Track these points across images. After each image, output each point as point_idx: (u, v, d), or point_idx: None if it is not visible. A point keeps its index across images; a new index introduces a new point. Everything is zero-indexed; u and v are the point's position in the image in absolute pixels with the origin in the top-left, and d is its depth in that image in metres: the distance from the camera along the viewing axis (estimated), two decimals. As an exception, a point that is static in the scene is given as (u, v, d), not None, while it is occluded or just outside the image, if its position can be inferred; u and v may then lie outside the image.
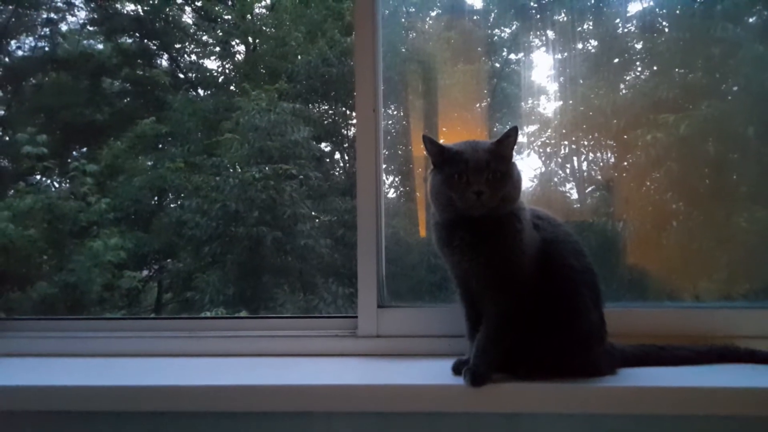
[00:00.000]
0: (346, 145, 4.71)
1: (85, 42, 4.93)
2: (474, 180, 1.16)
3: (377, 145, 1.55)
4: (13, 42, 4.63)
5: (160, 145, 4.75)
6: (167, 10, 5.20)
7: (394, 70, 1.98)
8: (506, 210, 1.20)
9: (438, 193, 1.21)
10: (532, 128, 2.43)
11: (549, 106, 2.38)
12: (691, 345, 1.34)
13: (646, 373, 1.25)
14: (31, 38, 4.89)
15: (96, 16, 5.18)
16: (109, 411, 1.29)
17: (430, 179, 1.24)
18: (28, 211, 3.82)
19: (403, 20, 2.35)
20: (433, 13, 2.64)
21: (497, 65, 3.04)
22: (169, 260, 4.42)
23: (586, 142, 2.32)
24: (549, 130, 2.42)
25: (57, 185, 4.40)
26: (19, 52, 4.78)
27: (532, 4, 2.61)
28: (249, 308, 3.86)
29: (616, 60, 2.32)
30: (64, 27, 5.02)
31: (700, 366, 1.30)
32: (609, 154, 2.29)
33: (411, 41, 2.39)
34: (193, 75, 5.42)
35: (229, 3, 5.33)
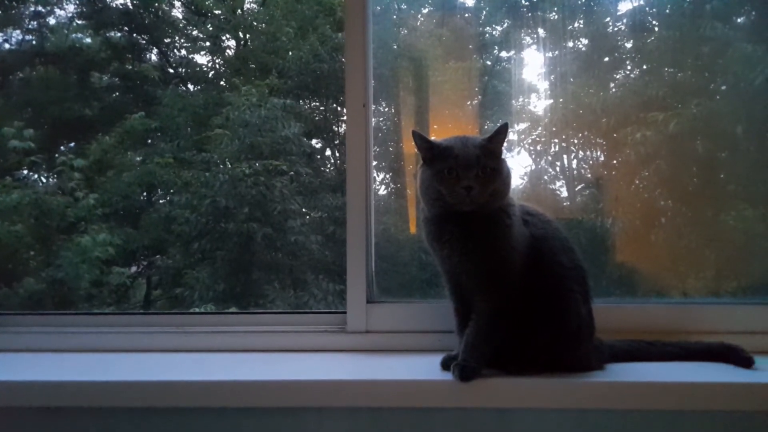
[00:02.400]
0: (336, 141, 4.71)
1: (73, 36, 4.88)
2: (464, 175, 1.16)
3: (367, 141, 1.55)
4: (0, 35, 4.57)
5: (149, 141, 4.72)
6: (156, 4, 5.15)
7: (385, 66, 1.98)
8: (495, 206, 1.20)
9: (428, 188, 1.21)
10: (522, 126, 2.43)
11: (539, 104, 2.39)
12: (680, 341, 1.35)
13: (634, 368, 1.26)
14: (18, 31, 4.83)
15: (84, 10, 5.13)
16: (97, 406, 1.28)
17: (420, 174, 1.24)
18: (15, 207, 3.77)
19: (394, 17, 2.34)
20: (425, 10, 2.64)
21: (488, 63, 3.04)
22: (158, 256, 4.39)
23: (576, 140, 2.33)
24: (539, 128, 2.43)
25: (44, 180, 4.36)
26: (6, 46, 4.73)
27: (523, 2, 2.61)
28: (239, 305, 3.85)
29: (607, 58, 2.34)
30: (52, 20, 4.97)
31: (689, 362, 1.31)
32: (599, 152, 2.29)
33: (402, 38, 2.39)
34: (183, 70, 5.38)
35: (220, -2, 5.30)
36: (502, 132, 1.21)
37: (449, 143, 1.21)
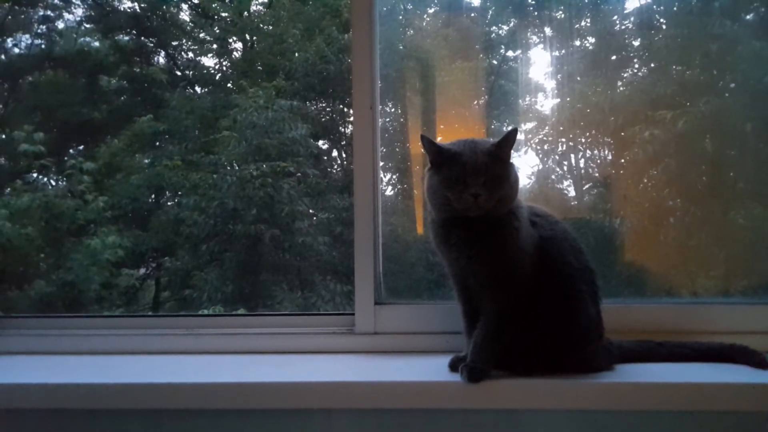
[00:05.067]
0: (343, 142, 4.71)
1: (81, 40, 4.91)
2: (471, 182, 1.16)
3: (374, 142, 1.55)
4: (9, 39, 4.61)
5: (158, 143, 4.74)
6: (164, 7, 5.18)
7: (391, 67, 1.98)
8: (503, 211, 1.20)
9: (435, 193, 1.21)
10: (529, 125, 2.42)
11: (547, 104, 2.38)
12: (690, 341, 1.34)
13: (644, 369, 1.26)
14: (27, 36, 4.87)
15: (93, 14, 5.16)
16: (107, 409, 1.29)
17: (428, 178, 1.24)
18: (26, 210, 3.80)
19: (400, 17, 2.34)
20: (431, 10, 2.64)
21: (495, 62, 3.04)
22: (167, 258, 4.41)
23: (583, 139, 2.32)
24: (546, 128, 2.42)
25: (54, 183, 4.39)
26: (16, 50, 4.76)
27: (529, 1, 2.61)
28: (247, 306, 3.86)
29: (614, 57, 2.33)
30: (60, 25, 5.01)
31: (698, 363, 1.30)
32: (606, 151, 2.29)
33: (408, 38, 2.39)
34: (191, 72, 5.41)
35: (227, 0, 5.31)
36: (510, 137, 1.20)
37: (458, 149, 1.20)
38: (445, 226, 1.23)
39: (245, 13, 5.23)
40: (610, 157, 2.25)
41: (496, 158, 1.18)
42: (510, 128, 1.21)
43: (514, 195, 1.21)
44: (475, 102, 2.39)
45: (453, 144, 1.23)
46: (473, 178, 1.16)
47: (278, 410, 1.27)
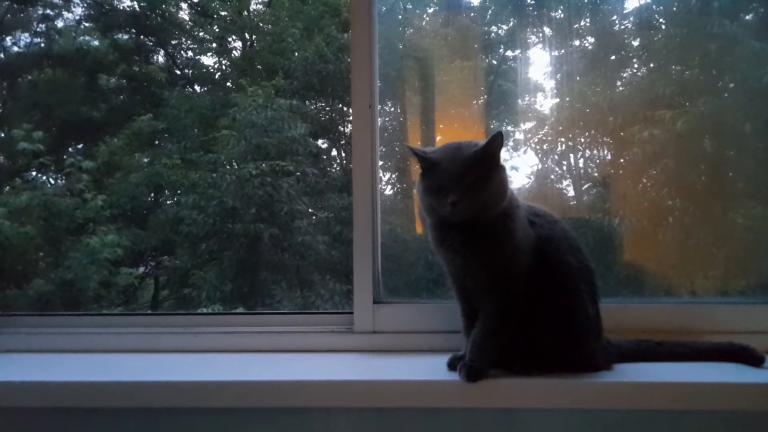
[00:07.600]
0: (342, 141, 4.71)
1: (81, 38, 4.91)
2: (450, 189, 1.15)
3: (373, 141, 1.55)
4: (8, 38, 4.61)
5: (157, 142, 4.75)
6: (163, 6, 5.18)
7: (390, 66, 1.98)
8: (489, 215, 1.18)
9: (422, 200, 1.23)
10: (528, 125, 2.42)
11: (546, 103, 2.38)
12: (688, 341, 1.34)
13: (642, 368, 1.25)
14: (26, 34, 4.88)
15: (92, 13, 5.16)
16: (106, 407, 1.28)
17: (417, 185, 1.25)
18: (24, 208, 3.81)
19: (399, 17, 2.34)
20: (430, 10, 2.64)
21: (494, 62, 3.04)
22: (165, 257, 4.42)
23: (582, 139, 2.32)
24: (546, 127, 2.42)
25: (53, 182, 4.40)
26: (15, 48, 4.77)
27: (528, 0, 2.61)
28: (246, 305, 3.86)
29: (613, 57, 2.32)
30: (60, 23, 5.02)
31: (697, 362, 1.30)
32: (605, 151, 2.28)
33: (408, 38, 2.39)
34: (190, 71, 5.42)
35: (226, -1, 5.32)
36: (494, 141, 1.17)
37: (438, 156, 1.19)
38: (441, 227, 1.23)
39: (245, 12, 5.23)
40: (609, 157, 2.25)
41: (479, 163, 1.16)
42: (494, 133, 1.18)
43: (499, 199, 1.18)
44: (475, 101, 2.39)
45: (436, 151, 1.22)
46: (452, 185, 1.15)
47: (277, 409, 1.27)
